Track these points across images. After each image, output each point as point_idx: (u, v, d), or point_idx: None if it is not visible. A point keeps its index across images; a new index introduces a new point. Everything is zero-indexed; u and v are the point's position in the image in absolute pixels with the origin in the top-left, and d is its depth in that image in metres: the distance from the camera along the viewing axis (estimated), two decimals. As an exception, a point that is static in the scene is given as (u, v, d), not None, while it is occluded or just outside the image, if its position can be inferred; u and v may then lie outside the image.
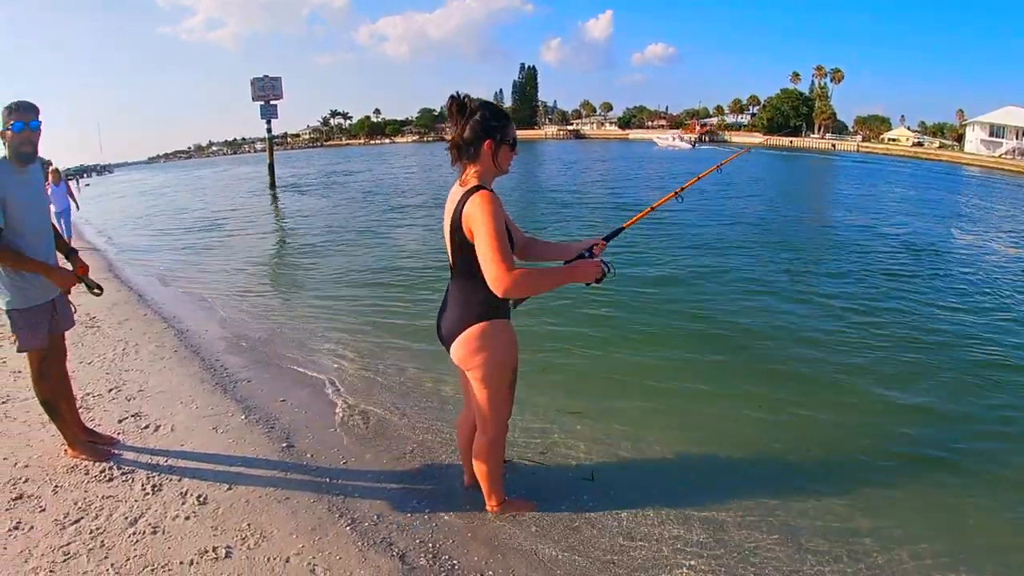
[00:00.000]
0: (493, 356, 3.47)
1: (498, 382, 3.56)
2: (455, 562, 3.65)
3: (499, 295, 3.18)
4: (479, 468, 3.92)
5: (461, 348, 3.47)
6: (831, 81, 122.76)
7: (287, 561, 3.56)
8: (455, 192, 3.36)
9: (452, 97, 3.30)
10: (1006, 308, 10.37)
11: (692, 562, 3.78)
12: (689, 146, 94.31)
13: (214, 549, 3.63)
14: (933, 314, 9.74)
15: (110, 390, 6.08)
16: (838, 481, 4.83)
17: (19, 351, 4.35)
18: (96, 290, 4.76)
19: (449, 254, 3.45)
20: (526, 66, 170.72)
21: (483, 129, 3.27)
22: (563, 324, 8.61)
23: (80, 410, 5.15)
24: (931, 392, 6.71)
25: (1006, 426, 5.99)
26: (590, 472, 4.71)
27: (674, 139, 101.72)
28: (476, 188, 3.23)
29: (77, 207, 16.65)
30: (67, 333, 4.73)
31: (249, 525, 3.88)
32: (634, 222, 4.30)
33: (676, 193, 4.58)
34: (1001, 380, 7.03)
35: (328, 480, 4.50)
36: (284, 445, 5.01)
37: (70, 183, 17.37)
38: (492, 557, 3.72)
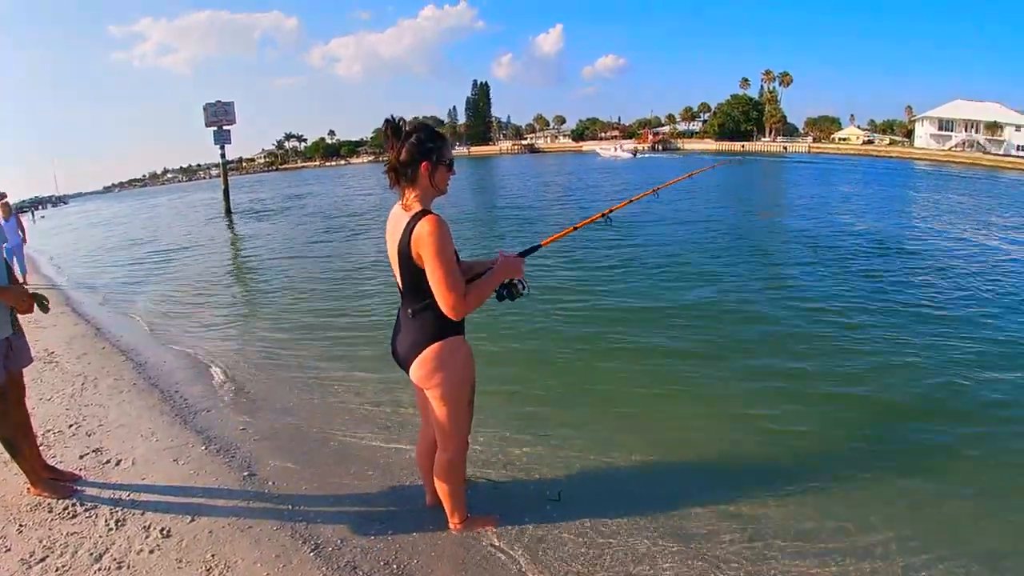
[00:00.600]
0: (452, 374, 3.55)
1: (457, 399, 3.64)
2: (420, 581, 3.71)
3: (453, 318, 3.33)
4: (441, 486, 3.97)
5: (420, 368, 3.54)
6: (780, 85, 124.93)
7: (252, 590, 3.61)
8: (399, 216, 3.43)
9: (387, 120, 3.37)
10: (975, 299, 10.79)
11: (660, 568, 3.90)
12: (630, 156, 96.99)
13: (179, 581, 3.67)
14: (896, 310, 10.06)
15: (70, 426, 6.06)
16: (803, 482, 4.97)
17: None
18: (44, 303, 4.70)
19: (398, 277, 3.52)
20: (479, 82, 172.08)
21: (419, 151, 3.34)
22: (515, 339, 8.73)
23: (41, 447, 5.13)
24: (893, 390, 6.94)
25: (972, 423, 6.18)
26: (557, 491, 4.74)
27: (615, 150, 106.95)
28: (423, 212, 3.31)
29: (26, 241, 16.47)
30: (25, 369, 4.73)
31: (213, 556, 3.92)
32: (553, 240, 4.36)
33: (604, 214, 4.64)
34: (971, 374, 7.29)
35: (290, 507, 4.53)
36: (245, 474, 5.03)
37: (21, 217, 17.18)
38: (457, 574, 3.79)
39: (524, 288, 3.73)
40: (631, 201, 5.18)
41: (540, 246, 4.21)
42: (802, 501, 4.68)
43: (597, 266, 14.25)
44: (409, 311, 3.55)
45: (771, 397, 6.73)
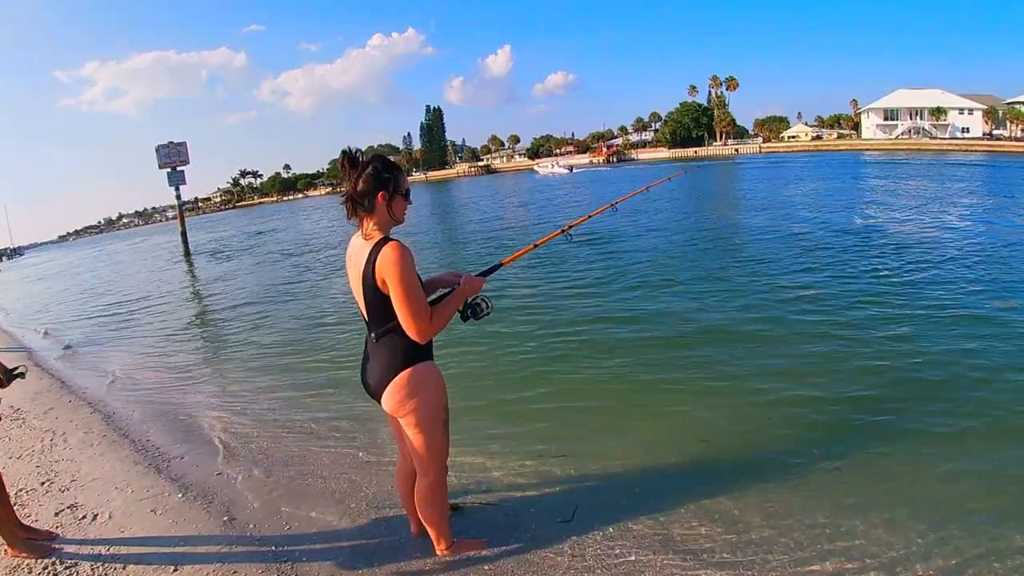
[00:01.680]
0: (425, 400, 3.57)
1: (432, 424, 3.65)
2: (412, 612, 3.69)
3: (420, 342, 3.40)
4: (424, 513, 3.96)
5: (392, 397, 3.54)
6: (727, 89, 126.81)
7: (242, 638, 3.56)
8: (359, 245, 3.46)
9: (344, 152, 3.41)
10: (944, 282, 11.09)
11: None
12: (567, 171, 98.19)
13: (167, 635, 3.62)
14: (872, 299, 10.29)
15: (43, 483, 5.95)
16: (792, 483, 5.02)
17: None
18: (22, 368, 4.74)
19: (363, 307, 3.53)
20: (431, 107, 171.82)
21: (376, 182, 3.39)
22: (486, 357, 8.80)
23: (15, 507, 5.01)
24: (870, 381, 7.03)
25: (953, 413, 6.18)
26: (571, 511, 4.71)
27: (552, 166, 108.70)
28: (384, 240, 3.35)
29: None
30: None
31: (199, 605, 3.87)
32: (514, 258, 4.39)
33: (564, 230, 4.70)
34: (943, 359, 7.48)
35: (274, 548, 4.49)
36: (225, 519, 4.97)
37: None
38: (448, 602, 3.76)
39: (487, 307, 3.77)
40: (590, 216, 5.22)
41: (501, 265, 4.24)
42: (795, 506, 4.69)
43: (564, 282, 14.36)
44: (374, 336, 3.57)
45: (760, 397, 6.83)
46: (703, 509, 4.63)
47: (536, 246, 4.56)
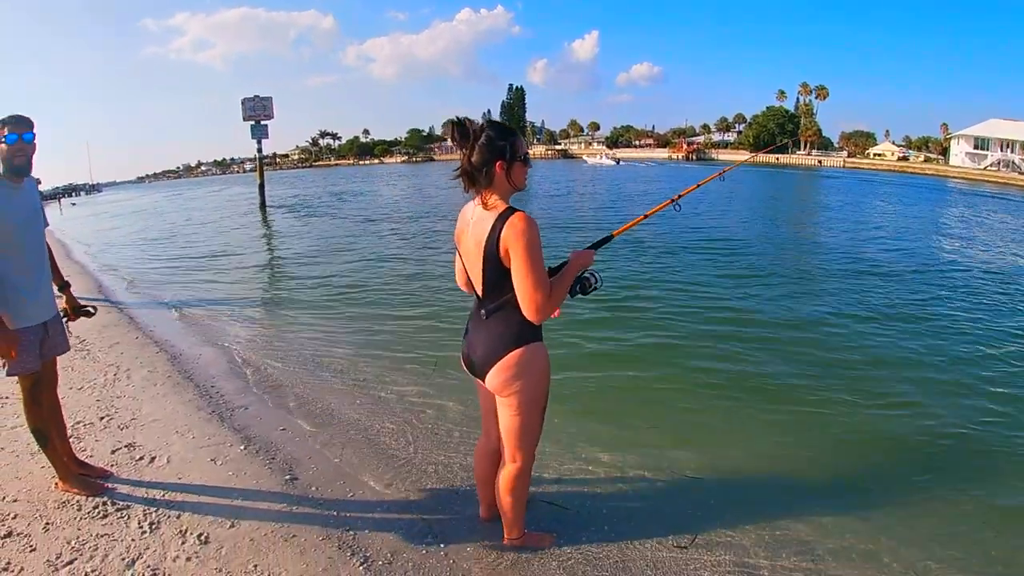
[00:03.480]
0: (531, 382, 3.31)
1: (533, 408, 3.40)
2: (476, 603, 3.42)
3: (535, 322, 3.13)
4: (504, 499, 3.71)
5: (499, 375, 3.29)
6: (816, 98, 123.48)
7: (299, 607, 3.32)
8: (481, 216, 3.17)
9: (453, 122, 3.15)
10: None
11: None
12: (613, 163, 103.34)
13: (220, 594, 3.38)
14: (938, 330, 9.61)
15: (101, 418, 5.83)
16: (853, 498, 4.73)
17: (8, 375, 4.10)
18: (91, 308, 4.80)
19: (479, 280, 3.27)
20: (514, 86, 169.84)
21: (491, 151, 3.11)
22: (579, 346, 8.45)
23: (71, 440, 4.87)
24: (937, 406, 6.58)
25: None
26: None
27: (600, 157, 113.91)
28: (511, 210, 3.08)
29: None
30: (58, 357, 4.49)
31: (256, 567, 3.63)
32: (624, 230, 4.10)
33: (672, 201, 4.39)
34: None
35: (336, 514, 4.26)
36: (287, 477, 4.75)
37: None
38: (514, 596, 3.49)
39: (597, 281, 3.51)
40: (699, 185, 4.91)
41: (612, 237, 3.95)
42: (855, 521, 4.41)
43: (634, 274, 13.99)
44: (483, 312, 3.31)
45: (828, 414, 6.41)
46: (773, 527, 4.30)
47: (646, 216, 4.26)
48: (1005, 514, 4.63)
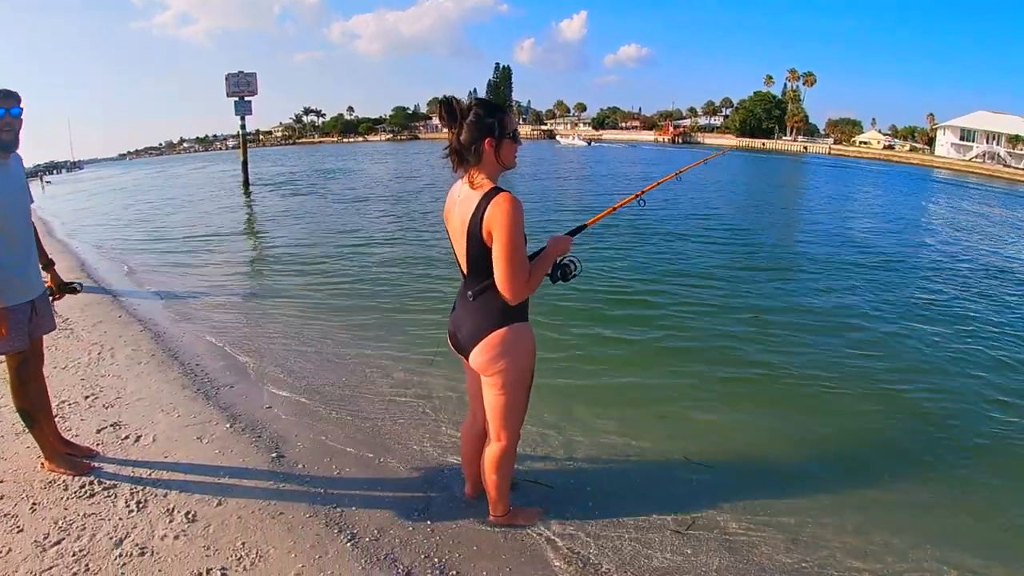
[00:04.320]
0: (516, 361, 3.35)
1: (518, 388, 3.43)
2: (463, 577, 3.48)
3: (511, 302, 3.16)
4: (489, 477, 3.76)
5: (482, 354, 3.32)
6: (803, 84, 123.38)
7: (287, 583, 3.34)
8: (467, 195, 3.18)
9: (441, 101, 3.14)
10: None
11: (705, 570, 3.71)
12: (585, 144, 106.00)
13: (208, 571, 3.41)
14: (933, 316, 9.85)
15: (86, 397, 5.81)
16: (851, 486, 4.79)
17: None
18: (77, 285, 4.84)
19: (463, 259, 3.29)
20: (500, 65, 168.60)
21: (479, 129, 3.11)
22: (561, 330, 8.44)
23: (56, 419, 4.85)
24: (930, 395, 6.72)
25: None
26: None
27: (572, 139, 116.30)
28: (497, 190, 3.08)
29: None
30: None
31: (243, 544, 3.66)
32: (596, 220, 4.11)
33: (637, 196, 4.40)
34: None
35: (323, 491, 4.30)
36: (274, 455, 4.77)
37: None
38: (500, 569, 3.58)
39: (577, 268, 3.54)
40: (658, 184, 4.90)
41: (585, 226, 3.96)
42: (846, 509, 4.46)
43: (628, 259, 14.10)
44: (469, 293, 3.33)
45: (821, 400, 6.49)
46: (759, 511, 4.36)
47: (614, 209, 4.29)
48: (998, 498, 4.76)
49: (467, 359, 3.44)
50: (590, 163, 59.21)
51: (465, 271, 3.32)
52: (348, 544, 3.70)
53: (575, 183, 38.03)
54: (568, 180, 39.97)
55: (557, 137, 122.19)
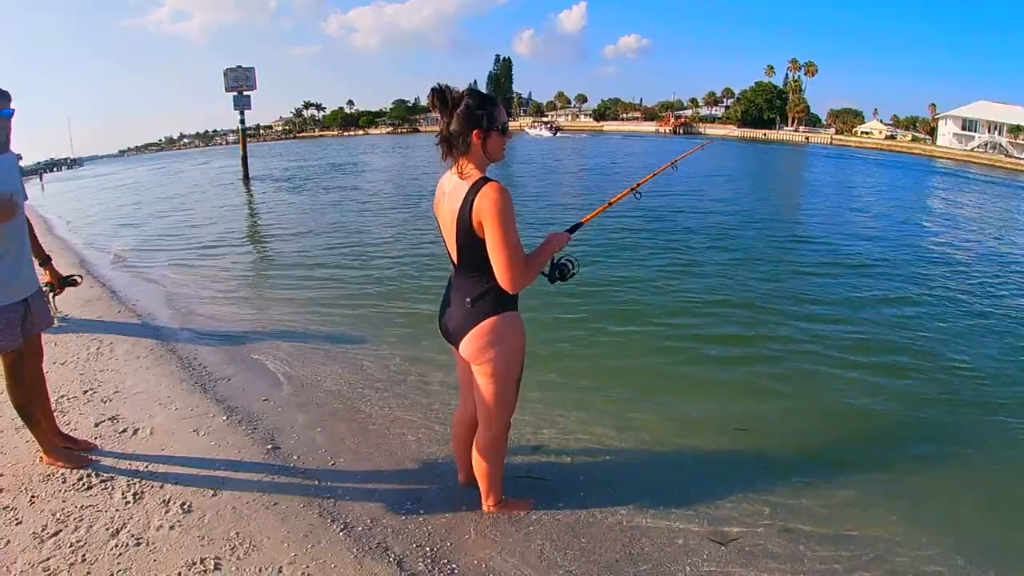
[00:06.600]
0: (505, 350, 3.38)
1: (507, 377, 3.46)
2: (454, 566, 3.53)
3: (510, 291, 3.18)
4: (480, 466, 3.80)
5: (472, 343, 3.35)
6: (805, 74, 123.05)
7: (280, 571, 3.41)
8: (455, 186, 3.20)
9: (434, 89, 3.16)
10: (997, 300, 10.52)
11: (696, 559, 3.72)
12: (550, 134, 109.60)
13: (202, 561, 3.46)
14: (916, 307, 9.87)
15: (85, 392, 5.86)
16: (839, 474, 4.81)
17: None
18: (77, 277, 4.94)
19: (453, 250, 3.31)
20: (501, 57, 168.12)
21: (469, 120, 3.13)
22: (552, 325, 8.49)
23: (55, 414, 4.91)
24: (922, 382, 6.76)
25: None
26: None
27: (540, 129, 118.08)
28: (484, 180, 3.10)
29: None
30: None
31: (237, 534, 3.71)
32: (592, 217, 4.09)
33: (632, 189, 4.42)
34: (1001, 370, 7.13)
35: (317, 482, 4.35)
36: (269, 447, 4.83)
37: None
38: (492, 559, 3.60)
39: (574, 267, 3.56)
40: (654, 175, 4.90)
41: (582, 223, 3.96)
42: (838, 496, 4.50)
43: (618, 250, 14.21)
44: (459, 281, 3.37)
45: (808, 386, 6.57)
46: (752, 498, 4.39)
47: (609, 204, 4.28)
48: (995, 487, 4.82)
49: (457, 348, 3.47)
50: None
51: (456, 261, 3.34)
52: (341, 533, 3.75)
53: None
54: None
55: (526, 129, 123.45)
